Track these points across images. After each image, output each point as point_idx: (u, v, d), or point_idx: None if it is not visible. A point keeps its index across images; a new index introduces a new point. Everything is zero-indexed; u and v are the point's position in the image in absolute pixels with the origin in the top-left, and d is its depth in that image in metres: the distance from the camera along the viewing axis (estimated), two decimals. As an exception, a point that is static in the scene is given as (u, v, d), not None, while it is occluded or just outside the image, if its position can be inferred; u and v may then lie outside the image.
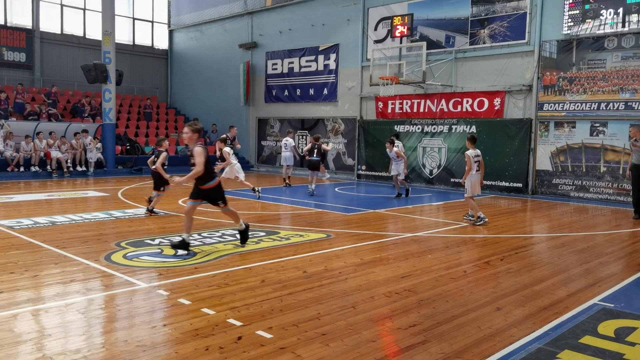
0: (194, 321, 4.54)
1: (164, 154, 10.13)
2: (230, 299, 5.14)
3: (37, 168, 17.89)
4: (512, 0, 15.61)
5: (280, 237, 8.34)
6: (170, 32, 28.11)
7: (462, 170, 16.78)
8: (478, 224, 9.91)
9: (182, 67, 27.65)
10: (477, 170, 10.02)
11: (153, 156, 10.46)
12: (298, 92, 21.88)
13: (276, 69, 22.65)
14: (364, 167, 19.46)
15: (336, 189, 16.34)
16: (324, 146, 14.83)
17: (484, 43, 16.29)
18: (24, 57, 23.19)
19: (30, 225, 8.82)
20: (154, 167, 10.16)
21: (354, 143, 19.90)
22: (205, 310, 4.81)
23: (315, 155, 14.45)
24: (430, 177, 17.63)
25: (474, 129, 16.48)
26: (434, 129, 17.51)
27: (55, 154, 18.06)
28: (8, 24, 22.83)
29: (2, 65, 22.59)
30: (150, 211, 10.19)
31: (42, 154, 18.07)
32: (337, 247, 7.81)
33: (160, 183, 10.18)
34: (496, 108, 16.16)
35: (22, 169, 17.63)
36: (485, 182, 16.25)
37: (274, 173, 22.01)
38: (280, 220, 10.01)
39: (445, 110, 17.26)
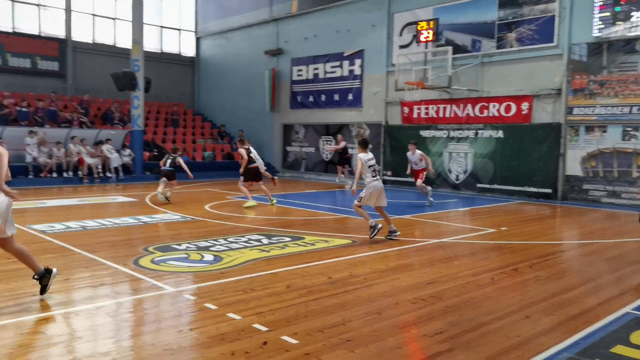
0: (220, 326, 4.58)
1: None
2: (256, 304, 5.18)
3: (69, 174, 18.31)
4: (540, 3, 15.40)
5: (305, 242, 8.36)
6: (197, 40, 28.52)
7: (489, 175, 16.62)
8: (373, 235, 8.58)
9: (209, 74, 28.01)
10: (373, 177, 8.80)
11: (166, 158, 13.57)
12: (323, 97, 21.95)
13: (301, 75, 22.77)
14: (389, 173, 19.38)
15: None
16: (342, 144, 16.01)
17: (511, 47, 16.09)
18: (57, 66, 23.81)
19: (62, 230, 9.04)
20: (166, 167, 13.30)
21: (378, 148, 19.82)
22: (231, 315, 4.85)
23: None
24: (457, 182, 17.44)
25: (500, 133, 16.27)
26: (460, 134, 17.34)
27: (87, 159, 18.47)
28: (42, 34, 23.48)
29: (36, 74, 23.23)
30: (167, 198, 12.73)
31: (75, 159, 18.49)
32: (362, 253, 7.80)
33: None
34: (524, 112, 15.92)
35: (54, 174, 18.07)
36: (512, 188, 16.21)
37: (298, 178, 22.09)
38: (305, 226, 10.03)
39: (472, 115, 17.08)
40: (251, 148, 13.37)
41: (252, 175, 12.92)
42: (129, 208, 12.31)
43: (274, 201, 13.06)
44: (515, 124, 16.09)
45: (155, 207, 12.37)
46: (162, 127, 24.62)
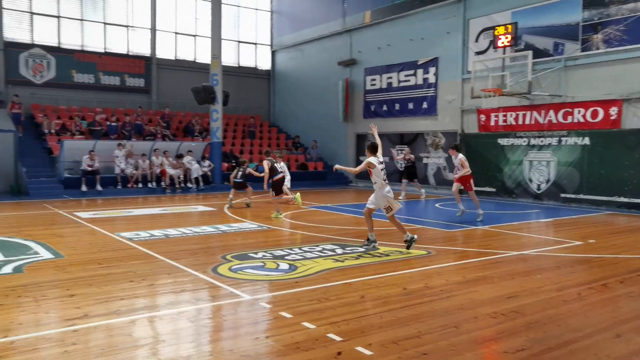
0: (295, 334, 4.63)
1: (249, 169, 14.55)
2: (330, 314, 5.19)
3: (153, 184, 19.30)
4: (628, 2, 14.50)
5: (379, 253, 8.30)
6: (273, 53, 29.25)
7: (574, 185, 15.74)
8: (364, 246, 8.58)
9: (284, 86, 28.62)
10: (385, 182, 8.49)
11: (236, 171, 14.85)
12: (397, 106, 21.79)
13: (375, 84, 22.74)
14: (465, 182, 18.86)
15: (437, 205, 15.97)
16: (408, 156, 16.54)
17: (597, 49, 15.24)
18: (142, 82, 25.26)
19: (146, 238, 9.51)
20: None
21: (455, 157, 19.39)
22: (306, 324, 4.88)
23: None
24: (538, 192, 16.67)
25: (587, 140, 15.39)
26: (542, 141, 16.58)
27: (169, 170, 19.38)
28: (129, 53, 25.01)
29: (124, 91, 24.74)
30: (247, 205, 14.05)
31: (158, 170, 19.47)
32: (438, 264, 7.62)
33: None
34: (612, 118, 14.99)
35: (139, 185, 19.11)
36: (600, 198, 15.26)
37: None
38: (379, 236, 9.96)
39: (554, 121, 16.29)
40: (278, 161, 13.53)
41: (279, 187, 12.98)
42: (208, 217, 12.77)
43: (280, 215, 12.63)
44: (603, 130, 15.18)
45: (233, 216, 12.74)
46: (240, 139, 25.39)
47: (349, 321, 4.98)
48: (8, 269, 7.02)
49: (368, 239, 8.73)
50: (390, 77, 21.93)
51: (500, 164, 17.62)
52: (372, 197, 8.69)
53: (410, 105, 21.17)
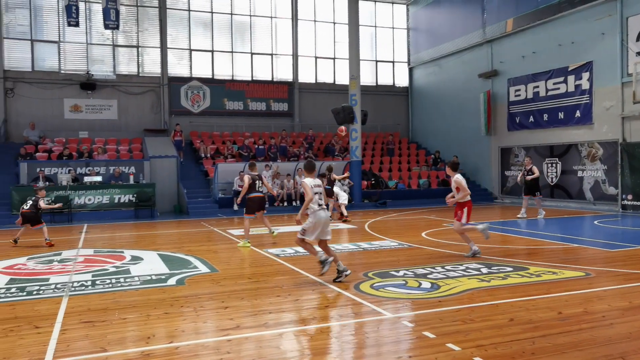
0: (439, 355, 4.49)
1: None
2: (476, 336, 4.95)
3: (297, 203, 20.15)
4: None
5: (529, 273, 7.76)
6: (410, 70, 29.17)
7: None
8: (324, 271, 7.42)
9: (422, 102, 28.33)
10: (319, 206, 7.42)
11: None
12: (545, 117, 20.38)
13: (519, 95, 21.54)
14: (629, 197, 16.97)
15: (595, 222, 14.56)
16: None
17: None
18: (286, 106, 26.69)
19: (292, 254, 9.93)
20: None
21: (615, 169, 17.56)
22: (450, 345, 4.71)
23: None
24: None
25: None
26: None
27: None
28: (274, 80, 26.63)
29: (270, 115, 26.34)
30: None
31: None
32: (598, 287, 6.92)
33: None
34: None
35: (285, 203, 20.07)
36: None
37: (519, 204, 20.70)
38: (529, 256, 9.33)
39: None
40: (265, 175, 12.63)
41: (256, 205, 11.60)
42: (349, 234, 12.99)
43: (274, 233, 12.09)
44: None
45: (374, 234, 12.81)
46: (379, 157, 25.59)
47: (497, 345, 4.71)
48: (172, 281, 7.78)
49: (338, 271, 7.44)
50: (537, 86, 20.63)
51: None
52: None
53: (561, 115, 19.68)
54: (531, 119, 20.98)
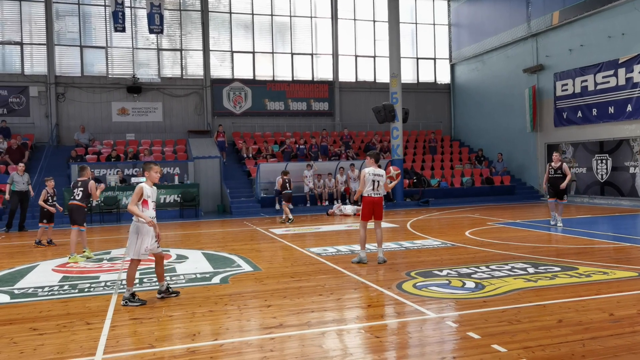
0: (484, 357, 4.41)
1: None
2: (523, 337, 4.83)
3: (338, 202, 20.14)
4: None
5: (579, 273, 7.51)
6: (452, 66, 28.71)
7: None
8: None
9: (464, 99, 27.83)
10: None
11: None
12: (594, 112, 19.68)
13: (566, 89, 20.87)
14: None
15: (649, 220, 13.97)
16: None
17: None
18: (326, 105, 26.74)
19: (333, 253, 9.94)
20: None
21: (670, 165, 16.80)
22: (496, 346, 4.62)
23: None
24: None
25: None
26: None
27: (354, 186, 20.10)
28: (315, 79, 26.71)
29: (310, 115, 26.45)
30: None
31: (342, 188, 20.31)
32: (653, 288, 6.63)
33: None
34: None
35: (326, 202, 20.10)
36: None
37: (568, 203, 20.07)
38: (578, 255, 9.03)
39: None
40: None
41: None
42: (391, 233, 12.88)
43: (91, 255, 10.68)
44: None
45: (416, 232, 12.69)
46: (420, 155, 25.30)
47: (545, 347, 4.58)
48: (217, 279, 7.91)
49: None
50: (585, 80, 19.94)
51: None
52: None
53: (611, 109, 18.97)
54: (579, 114, 20.30)
